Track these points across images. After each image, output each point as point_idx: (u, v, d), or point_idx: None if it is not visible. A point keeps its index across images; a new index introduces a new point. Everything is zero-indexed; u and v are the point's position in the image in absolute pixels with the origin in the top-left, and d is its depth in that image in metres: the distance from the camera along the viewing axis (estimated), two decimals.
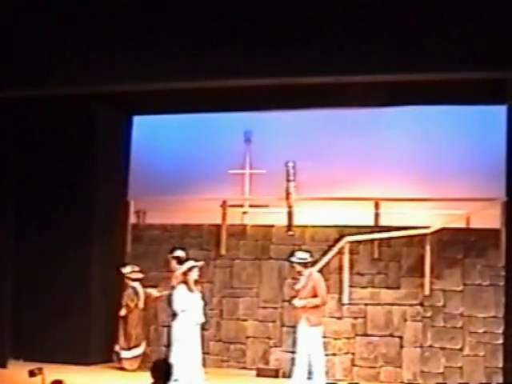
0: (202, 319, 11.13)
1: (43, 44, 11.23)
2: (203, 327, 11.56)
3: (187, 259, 11.58)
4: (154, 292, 13.06)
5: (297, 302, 10.98)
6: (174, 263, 12.75)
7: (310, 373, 10.92)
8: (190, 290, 10.97)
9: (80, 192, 13.20)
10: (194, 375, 10.86)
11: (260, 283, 13.29)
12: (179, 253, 12.72)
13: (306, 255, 11.16)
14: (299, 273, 11.10)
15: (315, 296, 10.91)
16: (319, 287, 10.99)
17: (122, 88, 11.88)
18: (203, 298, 11.35)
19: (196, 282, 11.10)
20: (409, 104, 12.55)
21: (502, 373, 10.86)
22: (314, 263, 11.47)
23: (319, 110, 13.08)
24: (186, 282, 10.99)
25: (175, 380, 10.27)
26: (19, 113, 12.68)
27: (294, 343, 11.11)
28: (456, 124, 12.88)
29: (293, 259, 11.14)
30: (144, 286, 13.22)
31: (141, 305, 13.15)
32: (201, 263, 11.46)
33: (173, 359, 10.53)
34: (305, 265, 11.06)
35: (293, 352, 11.24)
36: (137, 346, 13.03)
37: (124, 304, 13.05)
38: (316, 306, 10.92)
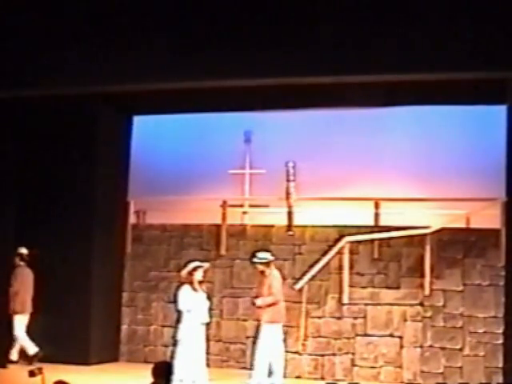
0: (206, 319, 11.13)
1: (43, 44, 11.22)
2: None
3: (190, 260, 11.48)
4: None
5: (257, 301, 11.22)
6: (17, 260, 12.79)
7: (270, 372, 11.09)
8: (195, 289, 10.97)
9: (80, 192, 13.19)
10: (198, 375, 10.84)
11: None
12: (23, 250, 12.76)
13: (266, 255, 11.26)
14: (262, 272, 11.23)
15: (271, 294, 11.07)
16: (272, 286, 11.16)
17: (122, 88, 11.87)
18: (209, 298, 11.34)
19: (200, 282, 11.09)
20: (409, 104, 12.55)
21: (502, 373, 10.86)
22: (313, 263, 11.46)
23: (319, 109, 13.09)
24: (190, 282, 10.99)
25: (180, 380, 10.30)
26: (19, 113, 12.67)
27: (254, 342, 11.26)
28: (456, 124, 12.88)
29: (254, 260, 11.25)
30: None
31: None
32: (207, 265, 11.43)
33: (177, 359, 10.56)
34: (267, 264, 11.16)
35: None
36: None
37: None
38: (272, 304, 11.05)
